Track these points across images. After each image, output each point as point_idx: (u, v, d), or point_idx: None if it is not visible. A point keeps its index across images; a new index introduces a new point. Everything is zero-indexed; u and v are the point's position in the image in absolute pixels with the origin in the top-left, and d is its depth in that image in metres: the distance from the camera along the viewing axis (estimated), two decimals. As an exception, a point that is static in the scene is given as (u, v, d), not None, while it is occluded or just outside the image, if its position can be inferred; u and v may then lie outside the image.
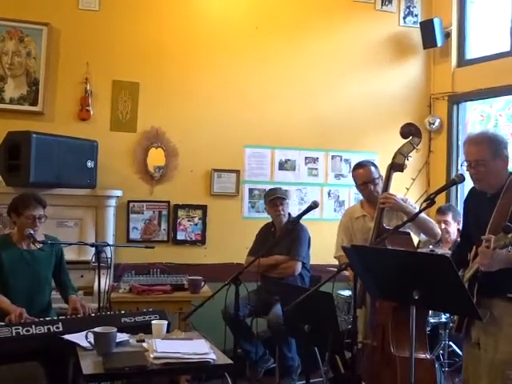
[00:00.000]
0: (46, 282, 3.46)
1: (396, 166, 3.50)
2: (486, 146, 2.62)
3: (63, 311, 3.42)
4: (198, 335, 2.88)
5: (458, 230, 4.43)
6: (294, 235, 4.10)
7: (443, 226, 4.34)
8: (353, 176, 3.76)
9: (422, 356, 3.02)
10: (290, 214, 4.29)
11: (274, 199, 4.24)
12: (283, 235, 4.08)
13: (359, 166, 3.72)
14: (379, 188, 3.59)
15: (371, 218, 3.56)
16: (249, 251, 4.31)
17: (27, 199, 3.34)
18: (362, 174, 3.65)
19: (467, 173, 2.71)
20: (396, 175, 3.54)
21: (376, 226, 3.39)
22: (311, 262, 4.40)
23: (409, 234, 3.36)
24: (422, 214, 3.19)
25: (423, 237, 3.62)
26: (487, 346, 2.56)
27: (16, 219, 3.35)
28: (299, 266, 4.10)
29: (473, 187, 2.78)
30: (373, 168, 3.67)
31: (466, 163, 2.69)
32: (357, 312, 2.95)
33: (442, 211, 4.41)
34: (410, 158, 3.50)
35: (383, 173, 3.60)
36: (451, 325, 3.53)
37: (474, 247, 2.60)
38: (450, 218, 4.39)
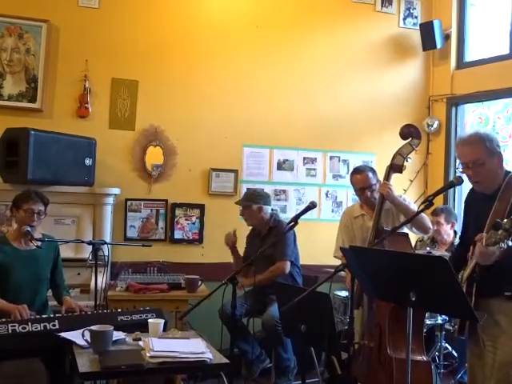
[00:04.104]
0: (44, 280, 3.45)
1: (395, 167, 3.50)
2: (481, 145, 2.62)
3: (59, 309, 3.40)
4: (195, 334, 2.88)
5: (455, 232, 4.44)
6: (277, 235, 4.04)
7: (435, 227, 4.33)
8: (351, 181, 3.76)
9: (419, 358, 3.01)
10: (272, 215, 4.23)
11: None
12: (266, 236, 4.14)
13: (357, 171, 3.72)
14: (376, 194, 3.57)
15: (370, 217, 3.57)
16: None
17: (27, 193, 3.36)
18: (360, 180, 3.65)
19: (464, 175, 2.72)
20: (394, 176, 3.54)
21: (374, 227, 3.40)
22: (308, 263, 4.39)
23: (407, 235, 3.36)
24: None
25: (415, 231, 3.59)
26: (489, 347, 2.57)
27: (16, 213, 3.37)
28: (287, 264, 4.06)
29: (472, 187, 2.78)
30: (370, 174, 3.66)
31: (461, 166, 2.69)
32: (354, 313, 2.94)
33: (435, 212, 4.42)
34: (409, 160, 3.50)
35: (382, 174, 3.60)
36: (452, 328, 3.52)
37: (472, 247, 2.60)
38: (442, 219, 4.39)
